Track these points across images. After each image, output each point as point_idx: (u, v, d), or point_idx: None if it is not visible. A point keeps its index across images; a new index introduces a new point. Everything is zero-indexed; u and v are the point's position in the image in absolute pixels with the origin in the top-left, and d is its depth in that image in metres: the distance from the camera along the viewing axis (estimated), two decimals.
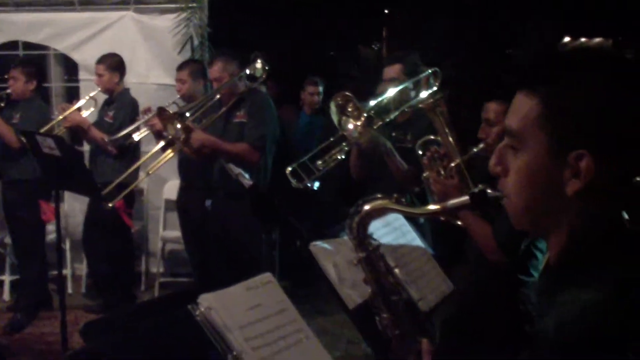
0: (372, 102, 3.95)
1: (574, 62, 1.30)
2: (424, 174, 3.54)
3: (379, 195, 1.65)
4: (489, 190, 1.47)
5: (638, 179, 1.43)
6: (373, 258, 1.72)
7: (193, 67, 5.79)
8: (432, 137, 3.67)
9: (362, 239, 1.69)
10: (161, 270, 6.90)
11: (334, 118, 3.92)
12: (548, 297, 1.25)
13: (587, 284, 1.19)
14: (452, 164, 3.43)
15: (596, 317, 1.13)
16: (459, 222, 3.30)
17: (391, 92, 4.08)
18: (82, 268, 6.83)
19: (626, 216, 1.29)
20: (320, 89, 7.40)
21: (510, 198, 1.35)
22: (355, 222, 1.66)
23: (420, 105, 3.75)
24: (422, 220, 4.08)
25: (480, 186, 1.49)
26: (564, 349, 1.12)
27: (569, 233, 1.29)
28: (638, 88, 1.26)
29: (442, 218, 3.41)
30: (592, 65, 1.28)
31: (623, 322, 1.13)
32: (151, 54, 6.98)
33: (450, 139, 3.54)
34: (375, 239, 1.72)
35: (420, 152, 3.63)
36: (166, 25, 6.86)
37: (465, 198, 1.51)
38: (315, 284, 6.51)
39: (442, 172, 3.45)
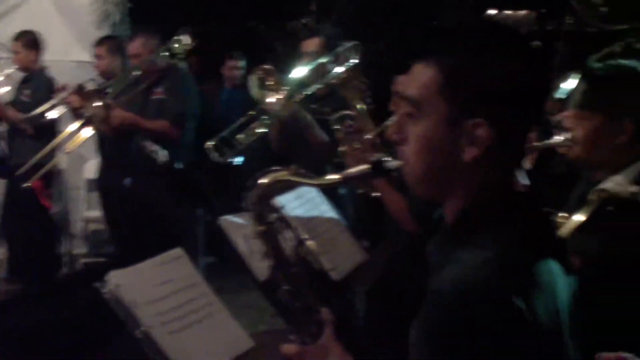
0: (292, 76, 3.95)
1: (473, 34, 1.35)
2: (340, 148, 3.56)
3: (277, 168, 1.65)
4: (389, 159, 1.49)
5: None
6: (272, 231, 1.72)
7: (111, 43, 5.67)
8: (347, 112, 3.69)
9: (261, 212, 1.69)
10: (84, 251, 6.78)
11: (255, 91, 3.91)
12: (444, 256, 1.30)
13: (480, 243, 1.25)
14: (365, 137, 3.46)
15: (486, 273, 1.19)
16: (376, 193, 3.35)
17: (310, 65, 4.09)
18: (3, 252, 6.66)
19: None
20: (241, 63, 7.32)
21: (409, 165, 1.38)
22: (254, 196, 1.66)
23: (332, 81, 3.75)
24: (342, 191, 4.13)
25: (379, 155, 1.51)
26: (458, 301, 1.17)
27: (465, 197, 1.34)
28: (531, 61, 1.33)
29: (360, 190, 3.47)
30: (489, 37, 1.34)
31: (509, 278, 1.20)
32: (69, 30, 6.81)
33: (363, 112, 3.58)
34: (277, 211, 1.73)
35: (336, 127, 3.65)
36: (84, 1, 6.68)
37: (366, 166, 1.53)
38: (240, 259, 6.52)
39: (357, 146, 3.47)
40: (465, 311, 1.16)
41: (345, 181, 1.59)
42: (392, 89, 3.43)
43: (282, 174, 1.63)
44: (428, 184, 1.38)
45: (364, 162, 3.26)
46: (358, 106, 3.59)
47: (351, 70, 3.71)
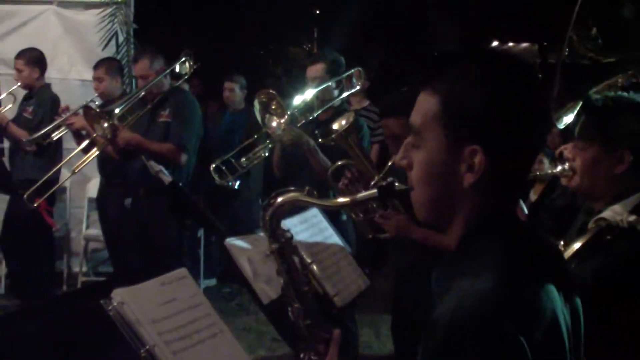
0: (295, 101, 3.99)
1: (470, 63, 1.38)
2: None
3: (292, 189, 1.69)
4: (396, 184, 1.52)
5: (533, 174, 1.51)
6: (286, 249, 1.75)
7: (109, 65, 5.72)
8: (340, 162, 3.70)
9: (275, 231, 1.73)
10: (84, 269, 6.78)
11: (258, 115, 3.95)
12: (445, 284, 1.31)
13: (478, 272, 1.25)
14: (372, 182, 3.47)
15: (483, 305, 1.20)
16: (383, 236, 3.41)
17: (313, 90, 4.14)
18: (1, 268, 6.64)
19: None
20: (237, 86, 7.32)
21: (414, 190, 1.42)
22: (268, 214, 1.70)
23: (332, 136, 3.76)
24: (344, 217, 4.15)
25: (388, 179, 1.54)
26: (453, 334, 1.18)
27: (465, 224, 1.36)
28: (528, 91, 1.35)
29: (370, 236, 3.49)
30: (487, 66, 1.37)
31: (507, 310, 1.20)
32: (74, 49, 6.85)
33: (365, 161, 3.61)
34: (288, 231, 1.76)
35: (333, 179, 3.68)
36: (90, 20, 6.73)
37: (374, 191, 1.56)
38: (240, 282, 6.52)
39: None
40: (459, 344, 1.17)
41: (354, 204, 1.62)
42: (384, 132, 3.46)
43: (297, 195, 1.67)
44: (431, 210, 1.41)
45: (402, 221, 3.30)
46: (358, 157, 3.61)
47: (347, 122, 3.70)
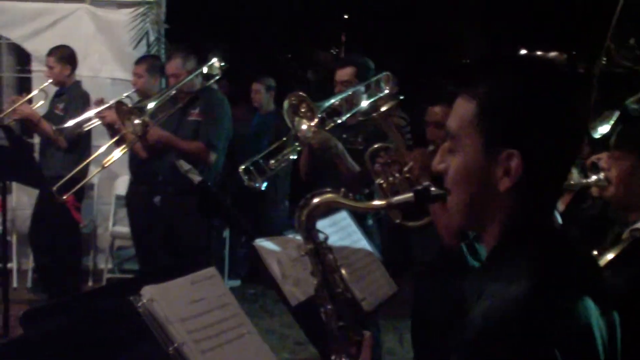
0: (325, 104, 3.98)
1: (508, 68, 1.39)
2: (377, 180, 3.58)
3: (328, 190, 1.69)
4: (432, 188, 1.51)
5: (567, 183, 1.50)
6: (320, 250, 1.75)
7: (151, 63, 5.75)
8: (379, 144, 3.71)
9: (310, 231, 1.73)
10: (109, 266, 6.83)
11: (287, 118, 3.94)
12: (479, 289, 1.30)
13: (513, 278, 1.24)
14: (406, 168, 3.47)
15: (518, 310, 1.19)
16: (412, 224, 3.38)
17: (343, 94, 4.13)
18: (29, 262, 6.71)
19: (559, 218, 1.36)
20: (263, 88, 7.37)
21: (451, 195, 1.41)
22: (304, 215, 1.71)
23: (373, 114, 3.77)
24: (370, 222, 4.14)
25: (424, 183, 1.54)
26: (485, 338, 1.18)
27: (501, 229, 1.36)
28: (566, 97, 1.34)
29: (398, 221, 3.48)
30: (525, 71, 1.37)
31: (540, 315, 1.19)
32: (106, 47, 6.91)
33: (402, 145, 3.60)
34: (323, 232, 1.76)
35: (370, 160, 3.67)
36: (122, 19, 6.80)
37: (410, 195, 1.56)
38: (265, 284, 6.53)
39: (397, 175, 3.48)
40: (490, 349, 1.16)
41: (389, 208, 1.62)
42: (425, 120, 3.45)
43: (333, 196, 1.67)
44: (466, 215, 1.40)
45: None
46: (398, 139, 3.60)
47: (390, 103, 3.72)
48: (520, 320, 1.17)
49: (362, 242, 2.86)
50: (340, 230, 2.76)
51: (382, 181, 3.51)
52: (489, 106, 1.33)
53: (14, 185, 6.59)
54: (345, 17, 15.49)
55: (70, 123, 5.45)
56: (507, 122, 1.31)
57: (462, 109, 1.37)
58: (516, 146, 1.29)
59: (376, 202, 1.70)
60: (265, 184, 4.20)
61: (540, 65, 1.40)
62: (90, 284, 6.79)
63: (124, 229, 6.50)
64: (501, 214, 1.35)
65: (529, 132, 1.30)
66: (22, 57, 7.30)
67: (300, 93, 3.93)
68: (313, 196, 1.69)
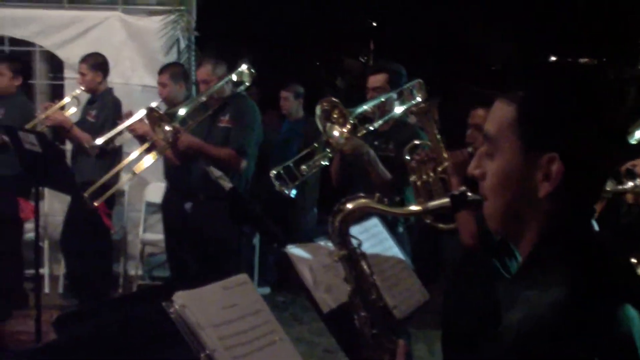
0: (357, 110, 3.97)
1: (548, 73, 1.40)
2: (411, 178, 3.58)
3: (362, 195, 1.68)
4: (469, 193, 1.50)
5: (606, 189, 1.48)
6: (354, 256, 1.74)
7: (173, 70, 5.79)
8: (418, 142, 3.73)
9: (344, 237, 1.72)
10: (140, 273, 6.87)
11: (319, 123, 3.93)
12: (514, 295, 1.28)
13: (549, 284, 1.23)
14: (440, 168, 3.46)
15: (556, 316, 1.17)
16: (442, 226, 3.37)
17: (376, 100, 4.11)
18: (60, 268, 6.77)
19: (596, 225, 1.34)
20: (292, 95, 7.38)
21: (487, 200, 1.39)
22: (337, 220, 1.70)
23: (413, 109, 3.77)
24: (401, 229, 4.11)
25: (461, 188, 1.52)
26: (520, 344, 1.16)
27: (539, 234, 1.33)
28: (605, 102, 1.33)
29: (428, 221, 3.47)
30: (566, 75, 1.37)
31: (578, 323, 1.17)
32: (137, 55, 6.95)
33: (439, 142, 3.59)
34: (356, 238, 1.75)
35: (407, 157, 3.67)
36: (153, 27, 6.84)
37: (446, 200, 1.55)
38: (294, 291, 6.53)
39: (431, 174, 3.47)
40: (527, 356, 1.14)
41: (425, 213, 1.60)
42: (468, 122, 3.43)
43: (367, 201, 1.66)
44: (503, 221, 1.38)
45: (434, 194, 3.30)
46: (435, 136, 3.60)
47: (428, 101, 3.73)
48: (558, 326, 1.16)
49: (393, 250, 2.83)
50: (372, 237, 2.74)
51: (416, 179, 3.51)
52: (529, 109, 1.31)
53: (46, 192, 6.66)
54: (374, 24, 15.49)
55: (100, 141, 5.46)
56: (547, 125, 1.29)
57: (501, 112, 1.35)
58: (556, 150, 1.27)
59: (412, 207, 1.68)
60: (295, 192, 4.19)
61: (580, 70, 1.39)
62: (120, 290, 6.84)
63: (154, 236, 6.54)
64: (538, 219, 1.33)
65: (569, 136, 1.28)
66: (55, 65, 7.39)
67: (333, 99, 3.92)
68: (347, 201, 1.67)
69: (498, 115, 1.36)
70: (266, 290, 6.93)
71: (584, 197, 1.34)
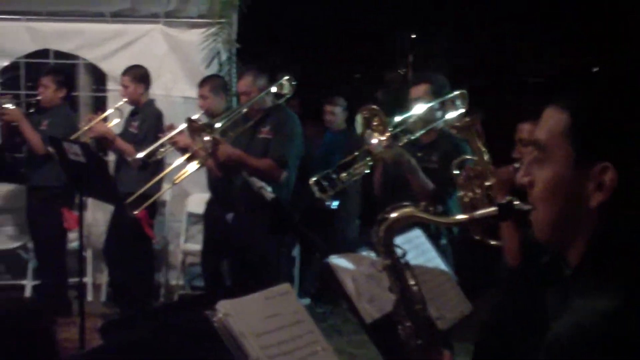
0: (399, 118, 3.95)
1: (602, 81, 1.35)
2: (459, 194, 3.55)
3: (406, 204, 1.66)
4: (516, 202, 1.48)
5: None
6: (398, 266, 1.72)
7: (214, 83, 5.83)
8: (467, 157, 3.70)
9: (388, 246, 1.70)
10: (180, 283, 6.91)
11: (359, 130, 3.92)
12: (564, 304, 1.26)
13: (601, 293, 1.21)
14: (487, 183, 3.43)
15: (607, 325, 1.15)
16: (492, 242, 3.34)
17: (418, 109, 4.08)
18: (103, 277, 6.85)
19: None
20: (337, 109, 7.39)
21: (536, 209, 1.37)
22: (382, 229, 1.68)
23: (457, 124, 3.74)
24: (444, 241, 4.07)
25: (508, 197, 1.50)
26: (572, 353, 1.14)
27: (589, 244, 1.31)
28: None
29: (477, 237, 3.43)
30: (620, 82, 1.33)
31: (630, 333, 1.15)
32: (178, 67, 7.03)
33: (484, 155, 3.56)
34: (401, 247, 1.73)
35: (456, 171, 3.65)
36: (194, 39, 6.90)
37: (493, 209, 1.53)
38: (334, 303, 6.50)
39: (477, 191, 3.44)
40: None
41: (472, 222, 1.58)
42: (516, 137, 3.40)
43: (412, 210, 1.64)
44: (553, 230, 1.36)
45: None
46: (480, 151, 3.57)
47: (472, 115, 3.70)
48: (609, 335, 1.14)
49: (436, 261, 2.80)
50: (415, 248, 2.71)
51: (463, 195, 3.48)
52: (582, 117, 1.29)
53: (90, 202, 6.75)
54: (413, 36, 15.46)
55: (142, 154, 5.50)
56: (601, 134, 1.27)
57: (553, 120, 1.33)
58: (610, 158, 1.25)
59: (459, 217, 1.66)
60: (336, 203, 4.18)
61: (633, 77, 1.35)
62: (162, 299, 6.89)
63: (195, 246, 6.57)
64: (588, 229, 1.30)
65: (622, 145, 1.26)
66: (98, 77, 7.49)
67: (374, 106, 3.91)
68: (392, 210, 1.66)
69: (550, 123, 1.34)
70: (306, 301, 6.92)
71: (636, 206, 1.30)
